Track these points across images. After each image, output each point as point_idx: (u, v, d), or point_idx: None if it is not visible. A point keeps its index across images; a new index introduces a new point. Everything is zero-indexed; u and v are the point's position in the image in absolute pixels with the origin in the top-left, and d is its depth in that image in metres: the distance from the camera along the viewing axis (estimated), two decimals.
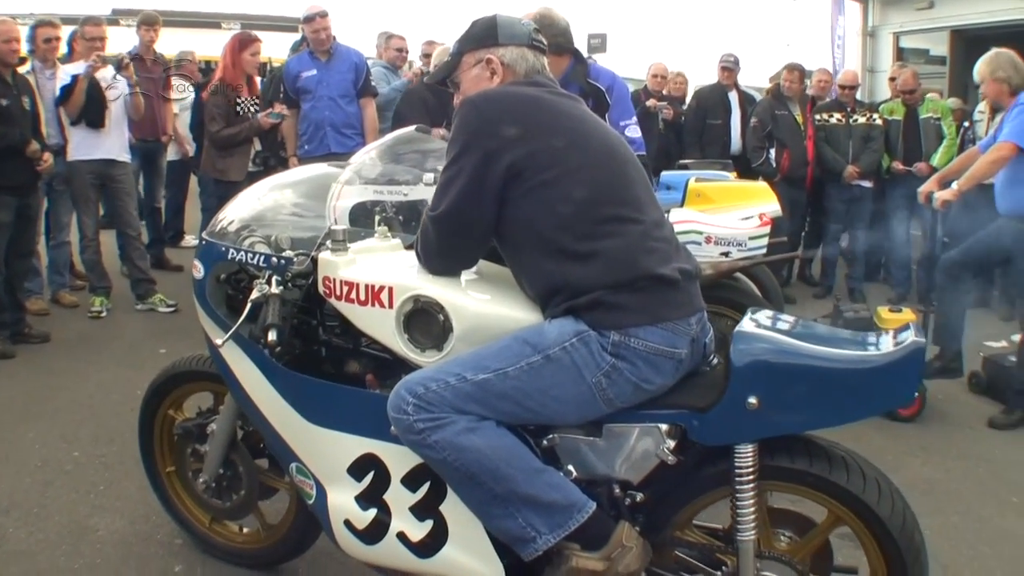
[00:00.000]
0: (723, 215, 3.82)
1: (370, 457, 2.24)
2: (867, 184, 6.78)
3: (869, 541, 2.02)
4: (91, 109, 5.58)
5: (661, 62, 7.54)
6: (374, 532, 2.26)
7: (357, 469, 2.27)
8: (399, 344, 2.18)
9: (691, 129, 7.42)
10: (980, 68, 4.58)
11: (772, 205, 4.31)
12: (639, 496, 2.10)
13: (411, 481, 2.19)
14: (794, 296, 6.76)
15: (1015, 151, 4.27)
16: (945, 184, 4.57)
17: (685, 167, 5.65)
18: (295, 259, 2.41)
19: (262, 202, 2.79)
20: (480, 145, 2.00)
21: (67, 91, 5.55)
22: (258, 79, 6.21)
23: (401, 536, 2.21)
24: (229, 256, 2.55)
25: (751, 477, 1.99)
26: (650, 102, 7.28)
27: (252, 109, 5.85)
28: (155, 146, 6.77)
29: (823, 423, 2.03)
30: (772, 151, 6.66)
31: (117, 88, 5.78)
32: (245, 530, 2.99)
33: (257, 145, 5.99)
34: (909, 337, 1.94)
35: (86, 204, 5.87)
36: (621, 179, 2.07)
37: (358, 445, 2.26)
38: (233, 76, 5.79)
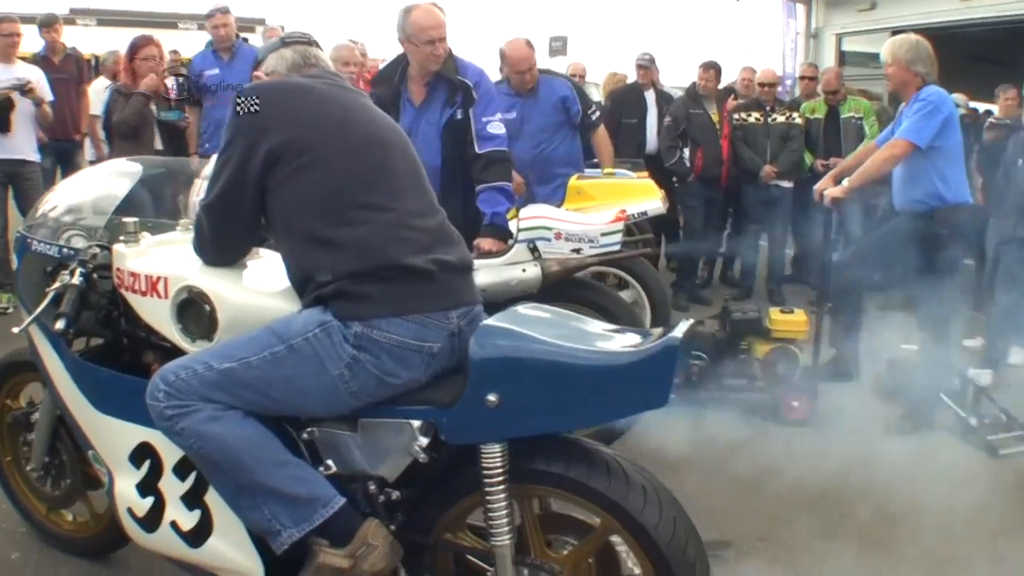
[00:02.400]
0: (594, 213, 3.79)
1: (146, 445, 2.25)
2: (786, 184, 6.71)
3: (639, 552, 1.94)
4: None
5: (580, 62, 7.55)
6: (151, 520, 2.26)
7: (136, 457, 2.28)
8: (174, 334, 2.20)
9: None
10: (895, 51, 4.31)
11: (654, 202, 4.29)
12: (395, 494, 2.07)
13: (180, 470, 2.19)
14: (710, 298, 6.72)
15: (910, 149, 4.14)
16: (841, 181, 4.47)
17: (595, 166, 5.64)
18: (83, 251, 2.41)
19: (85, 192, 2.81)
20: (244, 134, 2.03)
21: None
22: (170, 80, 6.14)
23: (174, 525, 2.22)
24: (33, 248, 2.56)
25: (500, 479, 1.94)
26: None
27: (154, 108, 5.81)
28: (70, 145, 6.69)
29: (571, 424, 2.00)
30: (686, 150, 6.60)
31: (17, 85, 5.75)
32: (78, 519, 2.99)
33: (159, 144, 5.96)
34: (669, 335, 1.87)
35: None
36: (379, 167, 2.07)
37: (136, 433, 2.26)
38: (130, 82, 5.67)
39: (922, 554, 3.18)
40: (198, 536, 2.18)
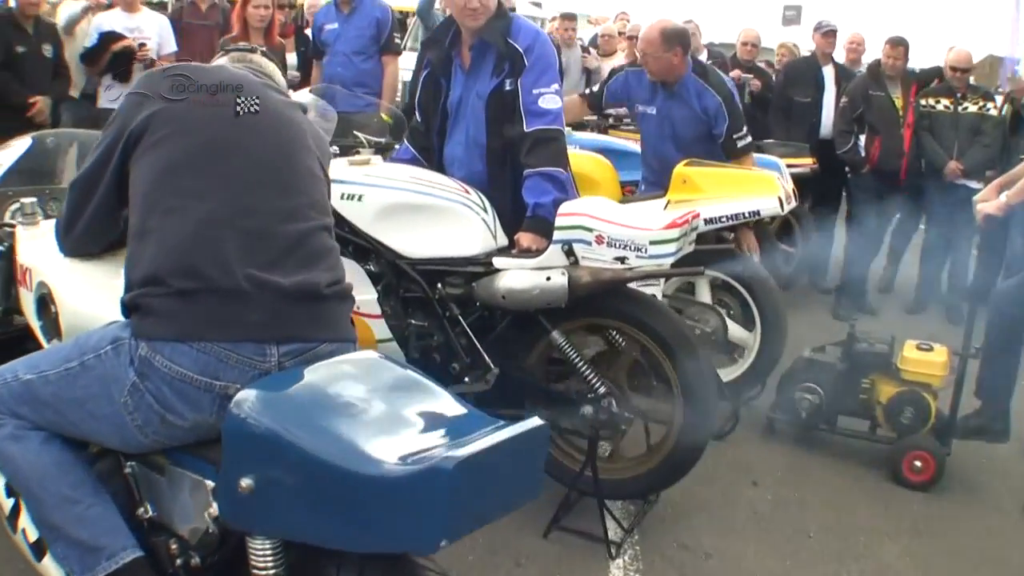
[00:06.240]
0: (668, 211, 3.15)
1: None
2: (975, 185, 5.54)
3: None
4: (119, 63, 5.52)
5: (753, 28, 6.64)
6: (12, 521, 2.05)
7: None
8: (37, 331, 2.05)
9: (776, 107, 6.51)
10: None
11: (769, 202, 3.55)
12: (195, 559, 1.75)
13: None
14: (877, 307, 5.87)
15: None
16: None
17: (759, 149, 4.88)
18: None
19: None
20: (126, 110, 1.84)
21: (92, 50, 5.52)
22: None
23: (24, 533, 2.02)
24: None
25: None
26: (734, 73, 6.44)
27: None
28: None
29: (330, 541, 1.51)
30: (862, 137, 5.76)
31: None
32: None
33: None
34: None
35: None
36: (224, 147, 1.77)
37: None
38: (241, 32, 5.48)
39: None
40: (38, 551, 1.98)
